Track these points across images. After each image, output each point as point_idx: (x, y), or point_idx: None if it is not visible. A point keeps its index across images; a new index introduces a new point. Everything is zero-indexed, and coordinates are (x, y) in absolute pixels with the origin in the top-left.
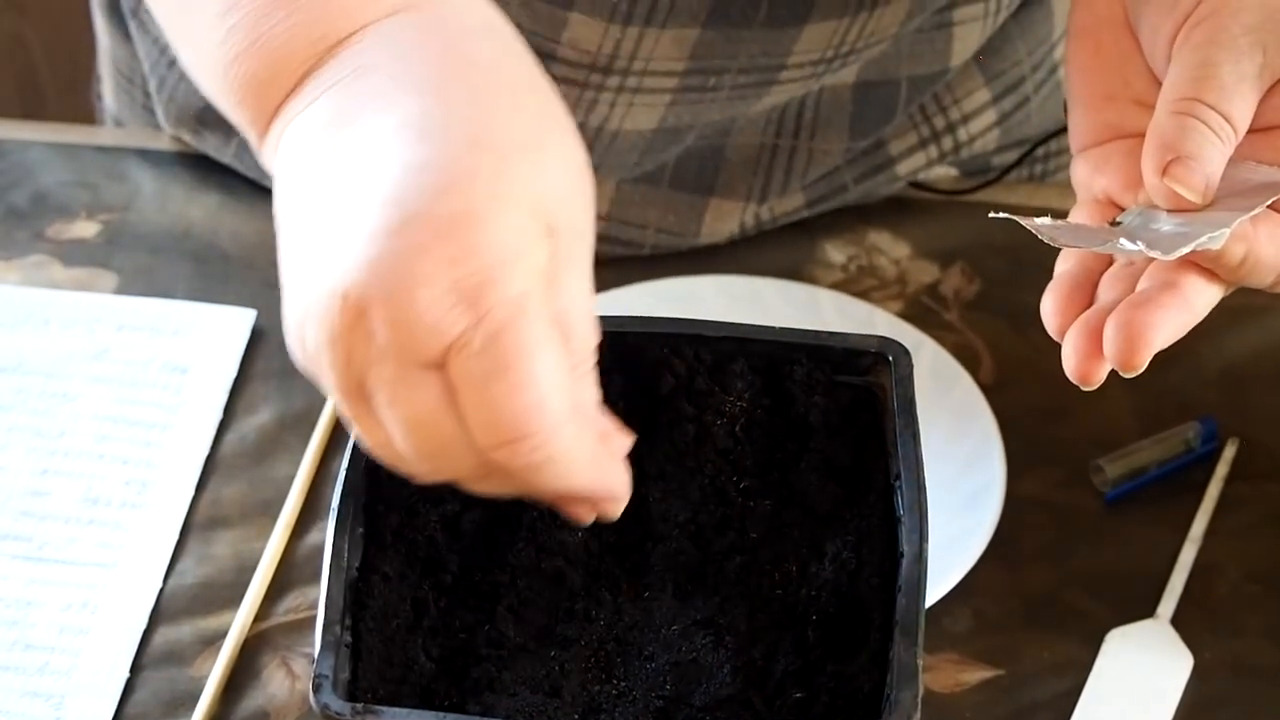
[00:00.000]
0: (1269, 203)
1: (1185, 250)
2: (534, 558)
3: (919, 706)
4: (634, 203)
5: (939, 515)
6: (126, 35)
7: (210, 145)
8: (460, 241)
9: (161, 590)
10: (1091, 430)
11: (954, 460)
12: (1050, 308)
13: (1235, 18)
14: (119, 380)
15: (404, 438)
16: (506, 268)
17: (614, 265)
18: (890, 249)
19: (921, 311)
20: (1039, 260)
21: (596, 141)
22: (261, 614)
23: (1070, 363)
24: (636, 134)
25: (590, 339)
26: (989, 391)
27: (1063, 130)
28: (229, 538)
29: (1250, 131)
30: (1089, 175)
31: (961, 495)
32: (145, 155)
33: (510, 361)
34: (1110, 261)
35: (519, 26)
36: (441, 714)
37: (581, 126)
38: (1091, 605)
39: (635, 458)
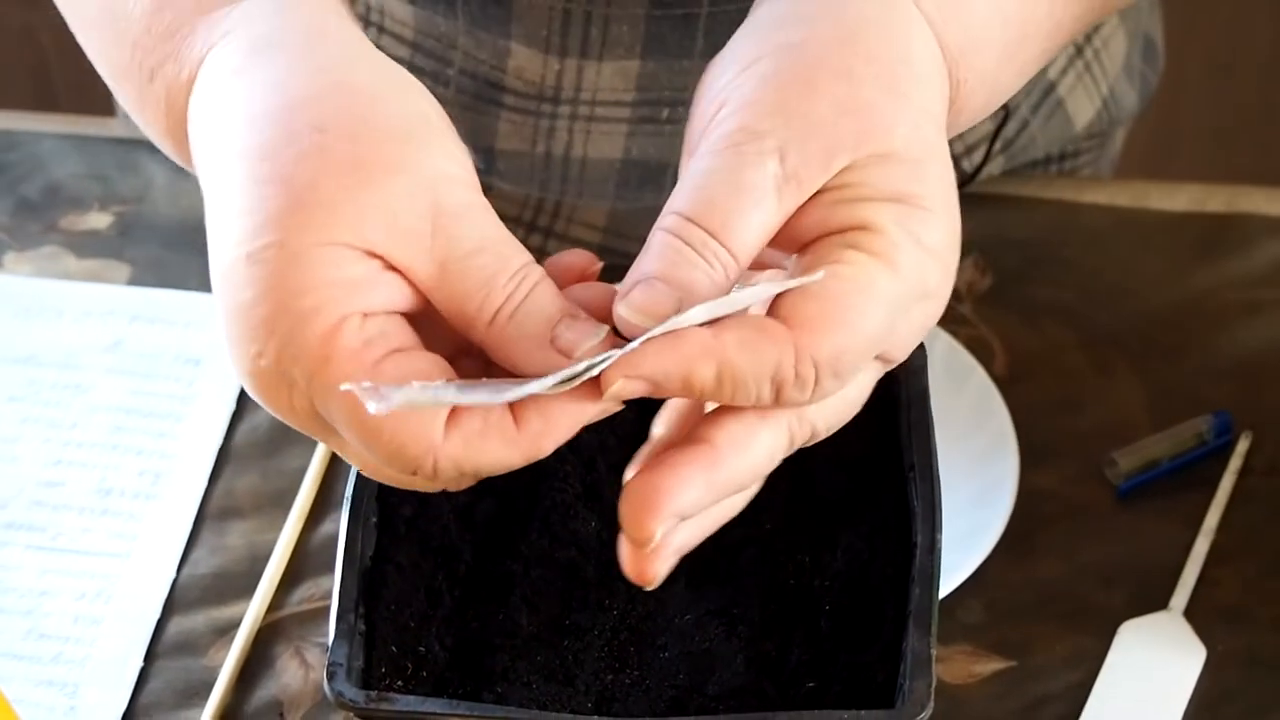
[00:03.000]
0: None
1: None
2: (547, 548)
3: (932, 697)
4: (629, 221)
5: (952, 507)
6: None
7: None
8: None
9: (175, 580)
10: (1105, 423)
11: (967, 453)
12: None
13: (743, 126)
14: (132, 372)
15: (365, 456)
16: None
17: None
18: None
19: None
20: (1053, 254)
21: (567, 169)
22: (275, 604)
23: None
24: (605, 163)
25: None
26: (1002, 385)
27: (1075, 138)
28: (242, 528)
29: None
30: None
31: (975, 488)
32: (157, 148)
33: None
34: None
35: (468, 55)
36: (455, 703)
37: (546, 155)
38: (1104, 597)
39: None
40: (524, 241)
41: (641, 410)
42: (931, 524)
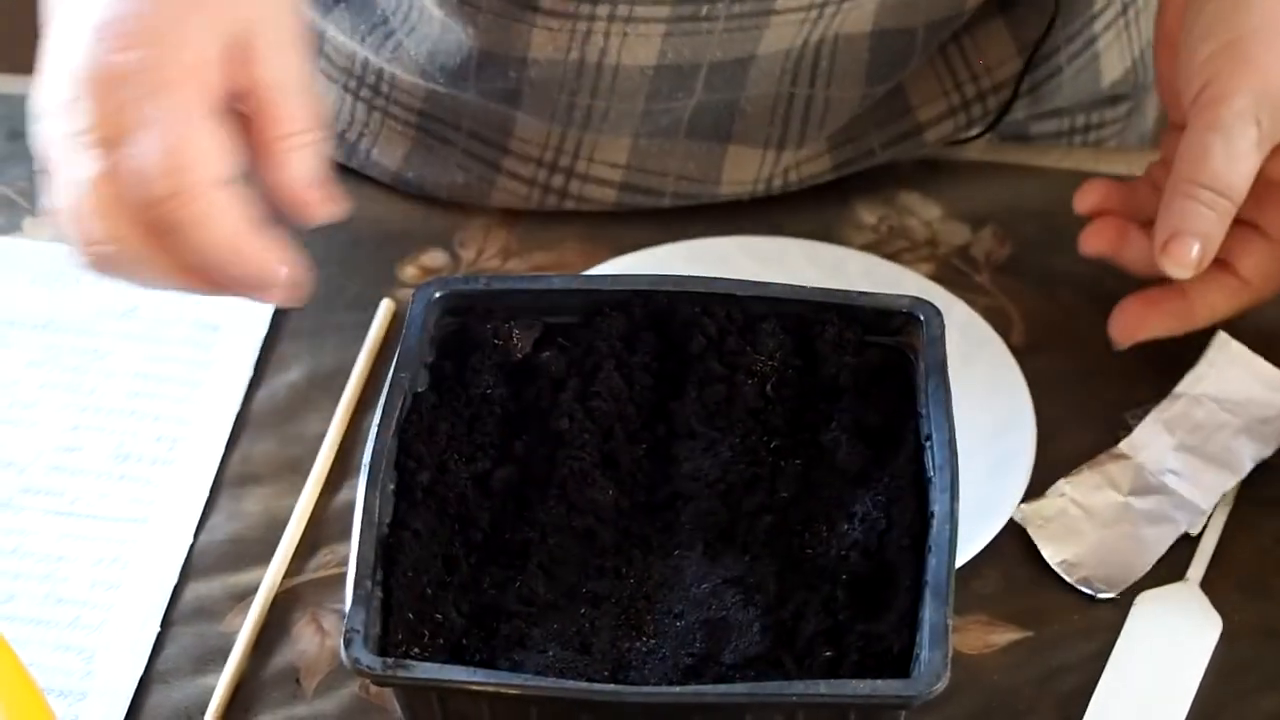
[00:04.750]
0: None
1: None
2: (564, 515)
3: (949, 667)
4: (652, 154)
5: (969, 477)
6: None
7: None
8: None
9: (192, 546)
10: (1122, 392)
11: (984, 423)
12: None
13: (1229, 104)
14: (149, 338)
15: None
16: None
17: (642, 223)
18: (921, 210)
19: (952, 274)
20: (1071, 224)
21: (599, 81)
22: (292, 570)
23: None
24: (637, 71)
25: (303, 112)
26: (1019, 355)
27: (1100, 102)
28: (260, 494)
29: (1256, 191)
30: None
31: (991, 457)
32: None
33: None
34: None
35: None
36: (472, 669)
37: (579, 64)
38: None
39: (666, 416)
40: (546, 183)
41: (658, 381)
42: (949, 493)
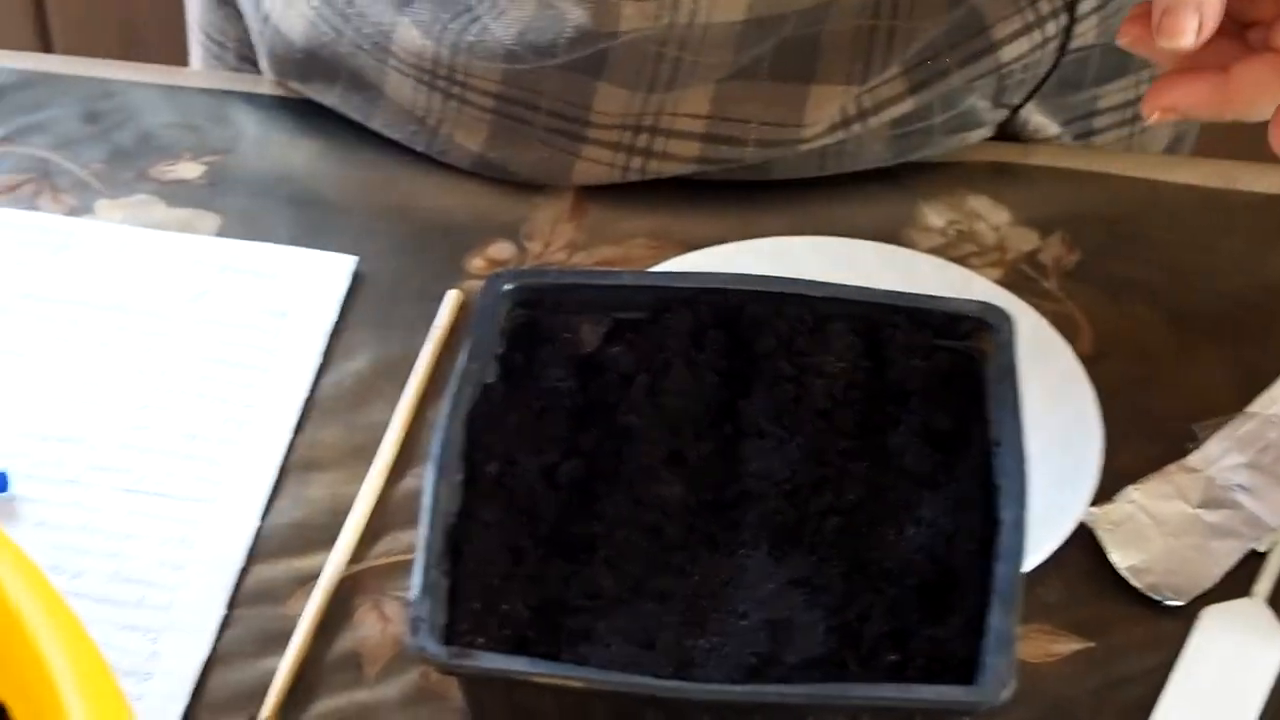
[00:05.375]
0: None
1: None
2: (631, 511)
3: (1014, 675)
4: (734, 99)
5: (1034, 485)
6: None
7: (315, 92)
8: None
9: (258, 529)
10: (1189, 403)
11: (1050, 430)
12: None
13: None
14: (219, 321)
15: None
16: None
17: (711, 220)
18: (990, 215)
19: (1020, 280)
20: (1139, 232)
21: (687, 40)
22: (355, 557)
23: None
24: (726, 26)
25: None
26: (1087, 362)
27: None
28: (324, 480)
29: None
30: None
31: (1058, 466)
32: (248, 99)
33: None
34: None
35: None
36: (536, 661)
37: (669, 26)
38: None
39: (734, 415)
40: (630, 144)
41: (726, 379)
42: (1018, 500)
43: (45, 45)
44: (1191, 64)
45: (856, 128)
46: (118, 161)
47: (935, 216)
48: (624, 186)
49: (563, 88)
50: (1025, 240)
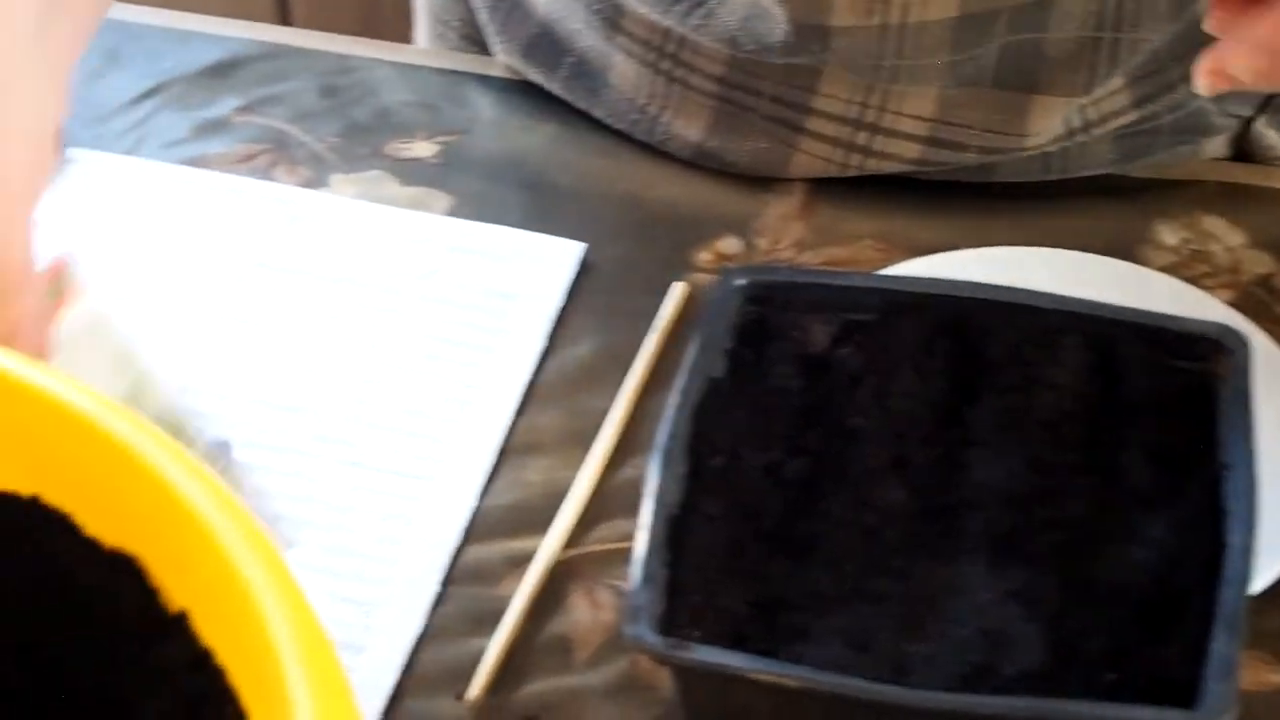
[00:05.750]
0: None
1: None
2: (853, 512)
3: (1236, 702)
4: (958, 104)
5: (1262, 511)
6: None
7: (538, 76)
8: None
9: (475, 509)
10: None
11: (1278, 456)
12: None
13: None
14: (447, 300)
15: None
16: None
17: (939, 226)
18: (1225, 236)
19: (1253, 303)
20: None
21: (902, 41)
22: (570, 542)
23: None
24: (939, 25)
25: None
26: None
27: None
28: (542, 464)
29: None
30: None
31: None
32: (485, 81)
33: None
34: None
35: None
36: (753, 657)
37: (883, 28)
38: None
39: (960, 422)
40: (850, 140)
41: (953, 386)
42: (1247, 525)
43: (285, 19)
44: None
45: (1080, 137)
46: (353, 136)
47: (1169, 234)
48: (852, 188)
49: (786, 75)
50: (1260, 263)
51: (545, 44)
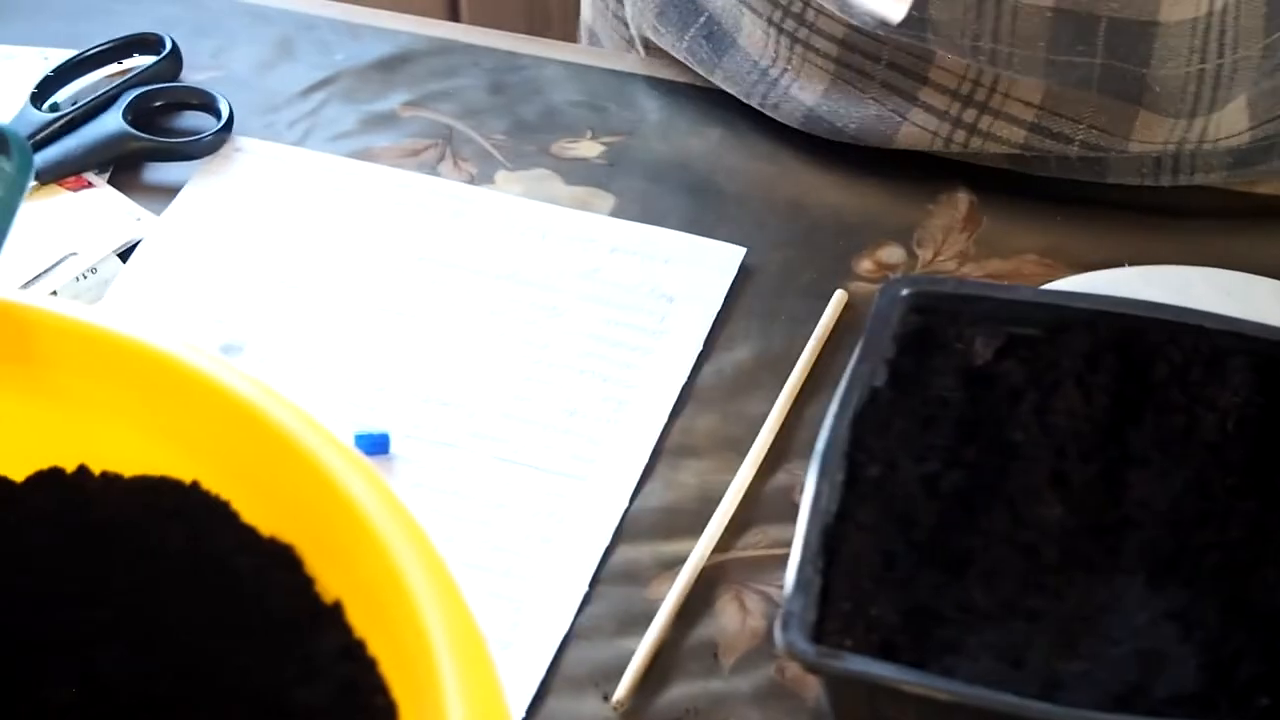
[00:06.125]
0: None
1: None
2: (1010, 527)
3: None
4: (1066, 99)
5: None
6: None
7: (667, 41)
8: None
9: (627, 510)
10: None
11: None
12: None
13: None
14: (607, 300)
15: None
16: None
17: (1101, 242)
18: None
19: None
20: None
21: (999, 20)
22: (720, 546)
23: None
24: (1036, 11)
25: None
26: None
27: None
28: (696, 467)
29: None
30: None
31: None
32: (653, 83)
33: None
34: None
35: None
36: (905, 669)
37: (980, 4)
38: None
39: (1120, 440)
40: (958, 116)
41: (1115, 403)
42: None
43: (454, 14)
44: None
45: (1189, 147)
46: (521, 134)
47: None
48: (1017, 199)
49: (904, 46)
50: None
51: (673, 10)
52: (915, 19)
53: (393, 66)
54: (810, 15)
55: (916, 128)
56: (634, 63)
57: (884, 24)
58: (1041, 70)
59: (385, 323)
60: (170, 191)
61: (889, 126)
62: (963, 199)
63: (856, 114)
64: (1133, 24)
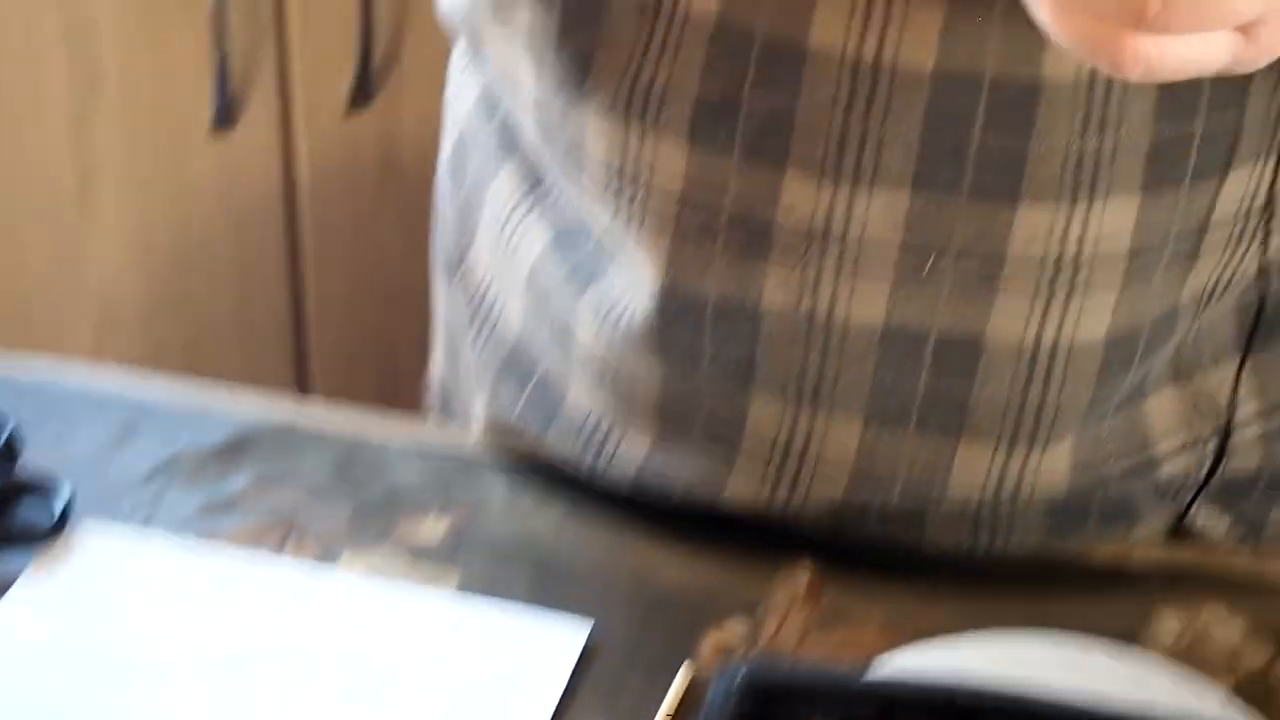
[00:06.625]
0: None
1: None
2: None
3: None
4: (882, 444)
5: None
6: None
7: (506, 399)
8: None
9: None
10: None
11: None
12: None
13: None
14: (450, 683)
15: None
16: None
17: (945, 610)
18: (1225, 623)
19: (1256, 693)
20: None
21: (828, 338)
22: None
23: None
24: (867, 332)
25: None
26: None
27: None
28: None
29: None
30: None
31: None
32: (496, 463)
33: None
34: None
35: (739, 197)
36: None
37: (810, 317)
38: None
39: None
40: (770, 497)
41: None
42: None
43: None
44: None
45: (1006, 503)
46: (365, 514)
47: (1171, 620)
48: (860, 569)
49: (719, 392)
50: (1260, 653)
51: (518, 363)
52: (743, 347)
53: (236, 449)
54: (625, 375)
55: (743, 478)
56: (478, 445)
57: (710, 324)
58: (864, 400)
59: (224, 715)
60: (5, 583)
61: (716, 478)
62: (804, 569)
63: (687, 467)
64: (961, 341)
